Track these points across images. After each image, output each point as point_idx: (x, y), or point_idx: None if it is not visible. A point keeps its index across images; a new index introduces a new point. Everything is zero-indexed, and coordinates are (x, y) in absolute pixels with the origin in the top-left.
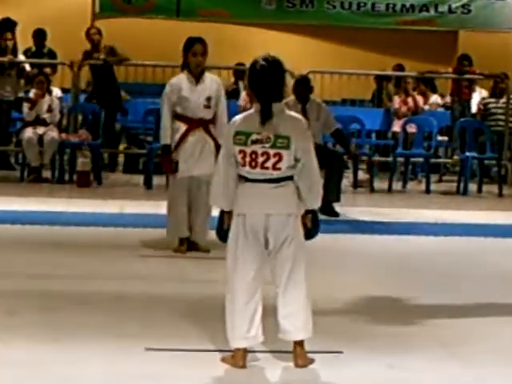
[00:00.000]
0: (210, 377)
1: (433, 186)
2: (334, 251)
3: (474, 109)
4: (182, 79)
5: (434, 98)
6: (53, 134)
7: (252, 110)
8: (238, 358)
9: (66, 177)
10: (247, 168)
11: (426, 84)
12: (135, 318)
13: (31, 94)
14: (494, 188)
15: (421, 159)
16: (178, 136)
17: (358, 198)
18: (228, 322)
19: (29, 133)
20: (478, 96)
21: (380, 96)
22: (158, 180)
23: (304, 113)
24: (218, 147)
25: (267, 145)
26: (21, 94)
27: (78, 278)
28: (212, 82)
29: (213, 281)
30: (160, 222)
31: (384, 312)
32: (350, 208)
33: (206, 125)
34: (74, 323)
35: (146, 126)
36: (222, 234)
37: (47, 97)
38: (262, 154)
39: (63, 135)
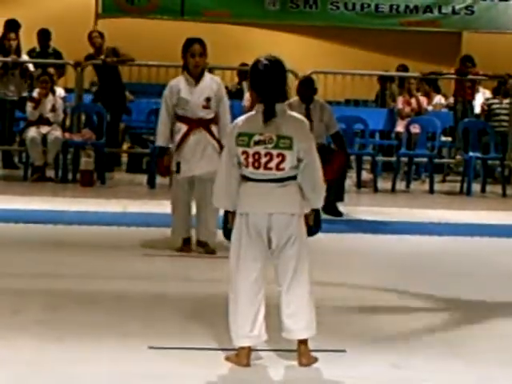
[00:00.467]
0: (213, 375)
1: (436, 186)
2: (338, 251)
3: (477, 109)
4: (180, 81)
5: (438, 99)
6: (56, 133)
7: (254, 111)
8: (242, 357)
9: (70, 176)
10: (250, 169)
11: (430, 84)
12: (139, 316)
13: (35, 94)
14: (498, 188)
15: (424, 159)
16: (178, 137)
17: (361, 198)
18: (231, 321)
19: (32, 132)
20: (481, 97)
21: (383, 96)
22: (161, 179)
23: (308, 113)
24: (221, 147)
25: (270, 145)
26: (24, 94)
27: (82, 277)
28: (212, 83)
29: (216, 280)
30: (163, 221)
31: (387, 311)
32: (354, 208)
33: (206, 124)
34: (77, 322)
35: (150, 125)
36: (227, 233)
37: (51, 96)
38: (265, 155)
39: (67, 135)
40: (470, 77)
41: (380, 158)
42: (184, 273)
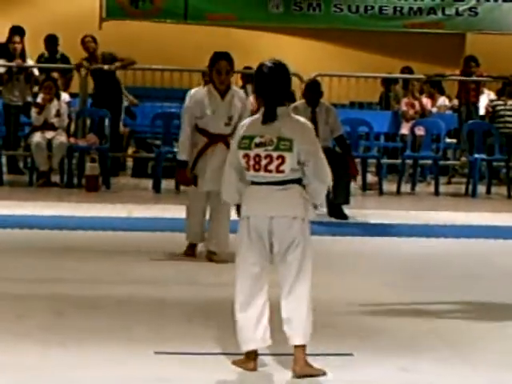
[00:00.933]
0: (219, 380)
1: (442, 188)
2: (344, 253)
3: (481, 111)
4: (204, 93)
5: (442, 100)
6: (61, 138)
7: (258, 115)
8: (249, 361)
9: (75, 181)
10: (252, 172)
11: (434, 86)
12: (144, 321)
13: (39, 99)
14: (503, 190)
15: (429, 161)
16: (196, 149)
17: (367, 201)
18: (236, 325)
19: (37, 137)
20: (485, 98)
21: (387, 99)
22: (166, 184)
23: (314, 117)
24: None
25: (270, 147)
26: (29, 99)
27: (87, 282)
28: (237, 100)
29: (221, 284)
30: (169, 225)
31: (394, 314)
32: (359, 210)
33: (225, 139)
34: (82, 327)
35: (155, 130)
36: None
37: (55, 101)
38: (266, 157)
39: (72, 139)
40: (474, 78)
41: (385, 161)
42: (189, 277)
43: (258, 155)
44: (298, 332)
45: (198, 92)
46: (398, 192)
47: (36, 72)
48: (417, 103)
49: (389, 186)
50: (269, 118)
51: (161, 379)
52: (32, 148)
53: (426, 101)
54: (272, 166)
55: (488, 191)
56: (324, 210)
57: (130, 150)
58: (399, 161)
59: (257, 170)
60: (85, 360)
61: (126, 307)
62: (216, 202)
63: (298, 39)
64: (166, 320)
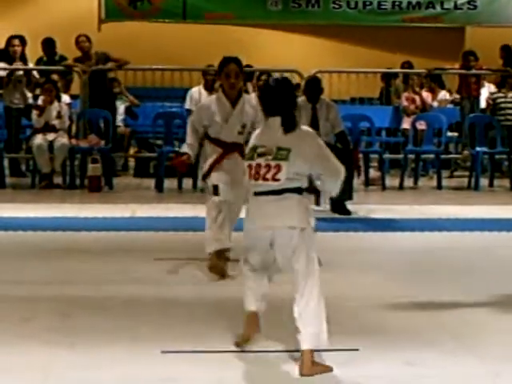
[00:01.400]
0: (226, 378)
1: (444, 182)
2: (347, 249)
3: (482, 104)
4: (212, 101)
5: (443, 94)
6: (63, 139)
7: (262, 126)
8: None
9: (77, 182)
10: (252, 181)
11: (435, 81)
12: (150, 321)
13: (40, 101)
14: (506, 182)
15: (431, 155)
16: (212, 160)
17: (369, 196)
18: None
19: (39, 139)
20: (486, 91)
21: (388, 94)
22: (169, 183)
23: (314, 113)
24: None
25: (270, 157)
26: (30, 101)
27: (92, 282)
28: (249, 107)
29: (227, 283)
30: (172, 224)
31: (398, 308)
32: (362, 206)
33: (239, 148)
34: (88, 328)
35: (156, 129)
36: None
37: (56, 103)
38: (265, 166)
39: (73, 141)
40: (475, 71)
41: (387, 156)
42: (194, 276)
43: (258, 164)
44: (304, 336)
45: (203, 99)
46: (401, 187)
47: (36, 75)
48: (417, 98)
49: (391, 181)
50: (291, 127)
51: (168, 379)
52: (34, 150)
53: (426, 95)
54: (269, 175)
55: (490, 184)
56: (327, 206)
57: (132, 150)
58: (401, 155)
59: (256, 179)
60: (92, 361)
61: (131, 307)
62: (232, 210)
63: (297, 36)
64: (172, 319)
